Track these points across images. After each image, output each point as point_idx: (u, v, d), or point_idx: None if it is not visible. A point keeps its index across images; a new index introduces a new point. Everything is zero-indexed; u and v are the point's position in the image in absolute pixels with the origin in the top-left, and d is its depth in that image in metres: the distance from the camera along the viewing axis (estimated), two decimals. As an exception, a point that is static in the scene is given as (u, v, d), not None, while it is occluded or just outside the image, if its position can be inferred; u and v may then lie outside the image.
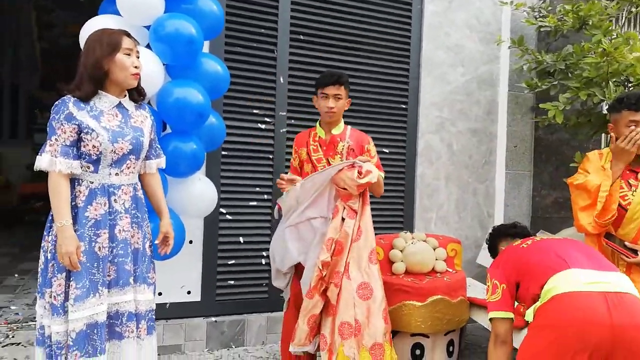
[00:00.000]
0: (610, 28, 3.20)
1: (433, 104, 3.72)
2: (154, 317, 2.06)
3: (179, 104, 2.40)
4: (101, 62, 1.86)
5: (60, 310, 1.81)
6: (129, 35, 1.96)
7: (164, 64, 2.46)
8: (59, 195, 1.80)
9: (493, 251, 2.41)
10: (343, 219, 2.40)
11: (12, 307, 3.10)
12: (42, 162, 1.80)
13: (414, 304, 2.76)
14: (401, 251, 3.00)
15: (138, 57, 1.97)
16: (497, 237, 2.37)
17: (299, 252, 2.46)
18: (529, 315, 1.72)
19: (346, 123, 2.63)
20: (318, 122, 2.62)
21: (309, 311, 2.37)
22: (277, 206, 2.60)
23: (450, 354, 2.89)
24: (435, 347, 2.82)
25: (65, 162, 1.80)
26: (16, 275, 3.86)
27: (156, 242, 2.12)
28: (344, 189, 2.39)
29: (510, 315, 1.89)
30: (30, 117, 7.61)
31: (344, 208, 2.42)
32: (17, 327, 2.75)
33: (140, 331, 1.97)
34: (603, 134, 3.84)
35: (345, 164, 2.40)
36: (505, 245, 2.23)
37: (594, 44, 3.12)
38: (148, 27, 2.48)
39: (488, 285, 1.97)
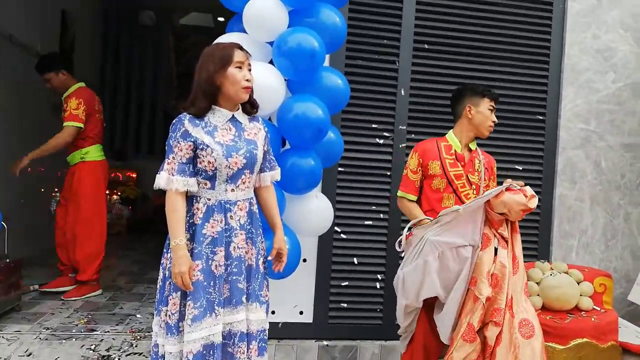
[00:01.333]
0: None
1: (576, 115, 3.26)
2: (266, 337, 1.96)
3: (299, 119, 2.33)
4: (213, 77, 1.84)
5: (174, 330, 1.79)
6: (240, 48, 1.91)
7: (285, 79, 2.42)
8: (176, 214, 1.79)
9: None
10: (496, 249, 2.14)
11: (138, 316, 3.25)
12: (160, 180, 1.80)
13: (553, 347, 2.39)
14: (537, 283, 2.62)
15: (250, 70, 1.91)
16: None
17: (442, 285, 2.19)
18: None
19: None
20: (450, 133, 2.44)
21: (468, 356, 2.10)
22: (406, 236, 2.34)
23: (599, 410, 2.44)
24: (581, 401, 2.40)
25: (182, 180, 1.78)
26: (145, 284, 4.10)
27: (269, 258, 2.04)
28: (502, 214, 2.14)
29: None
30: (165, 134, 8.27)
31: (495, 236, 2.15)
32: (141, 337, 2.87)
33: (251, 352, 1.88)
34: None
35: (503, 187, 2.15)
36: None
37: None
38: (271, 44, 2.47)
39: None
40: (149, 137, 8.34)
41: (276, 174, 2.10)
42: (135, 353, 2.72)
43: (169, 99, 8.96)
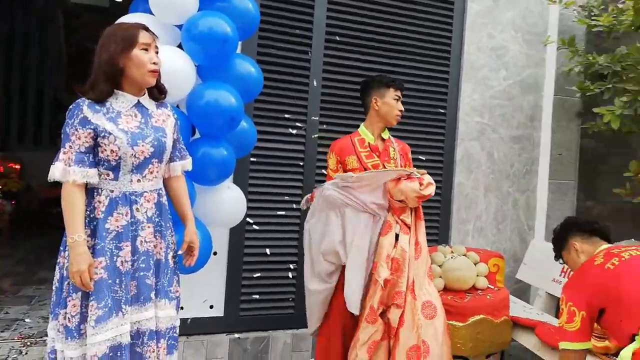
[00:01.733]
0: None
1: (473, 109, 3.51)
2: (176, 335, 1.88)
3: (210, 106, 2.24)
4: (116, 59, 1.70)
5: (75, 334, 1.64)
6: (146, 29, 1.79)
7: (195, 65, 2.31)
8: (72, 207, 1.64)
9: (558, 245, 2.14)
10: (397, 235, 2.21)
11: (27, 320, 2.96)
12: (55, 171, 1.65)
13: (454, 325, 2.55)
14: (440, 266, 2.79)
15: (157, 53, 1.80)
16: (569, 231, 2.09)
17: (339, 240, 2.26)
18: (625, 357, 1.48)
19: None
20: (362, 126, 2.50)
21: (371, 337, 2.16)
22: (310, 195, 2.47)
23: (493, 379, 2.67)
24: (478, 372, 2.60)
25: (80, 171, 1.64)
26: (34, 286, 3.73)
27: (180, 252, 1.95)
28: (400, 201, 2.22)
29: (588, 346, 1.67)
30: (54, 123, 7.60)
31: (397, 223, 2.23)
32: (31, 343, 2.61)
33: (159, 350, 1.79)
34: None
35: (405, 172, 2.24)
36: (577, 244, 1.98)
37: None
38: (180, 27, 2.34)
39: (562, 309, 1.74)
40: (34, 126, 7.57)
41: (187, 163, 2.01)
42: (27, 361, 2.47)
43: (58, 83, 8.21)
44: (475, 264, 2.83)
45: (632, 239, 3.05)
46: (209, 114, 2.25)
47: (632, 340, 1.49)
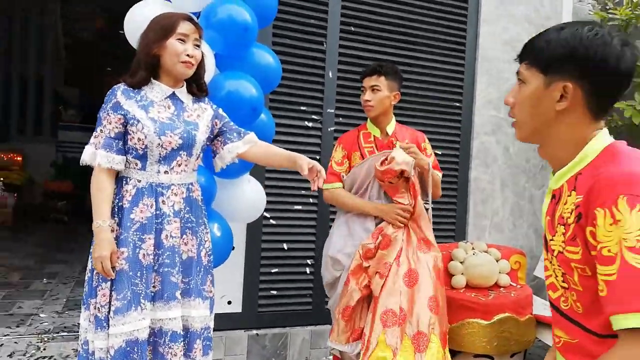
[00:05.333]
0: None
1: (489, 103, 3.45)
2: (210, 335, 1.84)
3: (231, 97, 2.17)
4: (151, 47, 1.68)
5: (105, 324, 1.61)
6: (191, 20, 1.74)
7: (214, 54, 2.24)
8: (99, 193, 1.63)
9: None
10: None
11: (42, 315, 2.89)
12: (85, 154, 1.65)
13: (478, 322, 2.50)
14: (461, 263, 2.74)
15: (197, 46, 1.75)
16: None
17: (340, 248, 2.28)
18: None
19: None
20: (368, 119, 2.38)
21: (346, 301, 2.18)
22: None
23: (516, 377, 2.63)
24: (501, 370, 2.56)
25: (106, 156, 1.62)
26: (44, 279, 3.67)
27: (307, 176, 1.73)
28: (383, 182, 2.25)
29: None
30: (55, 114, 7.50)
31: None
32: (48, 339, 2.55)
33: (195, 352, 1.74)
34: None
35: (382, 155, 2.23)
36: None
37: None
38: (197, 14, 2.27)
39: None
40: (35, 117, 7.46)
41: (252, 136, 1.92)
42: (45, 357, 2.41)
43: (56, 74, 8.09)
44: (497, 261, 2.78)
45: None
46: (229, 104, 2.18)
47: None
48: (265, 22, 2.45)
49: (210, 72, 2.20)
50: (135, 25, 2.10)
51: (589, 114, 0.93)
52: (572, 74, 0.91)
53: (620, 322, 0.79)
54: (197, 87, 1.81)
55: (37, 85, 7.52)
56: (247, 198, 2.40)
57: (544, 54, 0.95)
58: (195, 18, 1.80)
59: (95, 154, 1.63)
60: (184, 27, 1.70)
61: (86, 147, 1.66)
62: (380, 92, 2.27)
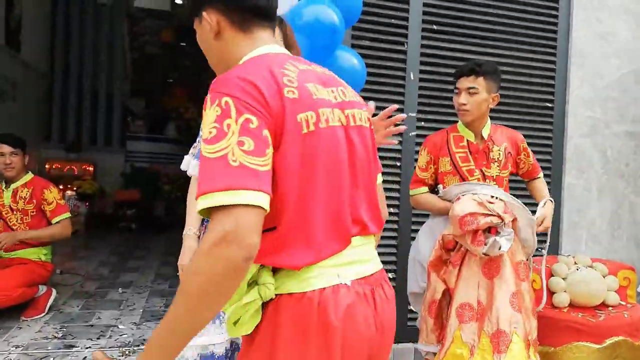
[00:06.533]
0: None
1: (584, 102, 3.16)
2: None
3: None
4: None
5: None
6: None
7: (298, 58, 2.13)
8: (189, 202, 1.68)
9: None
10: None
11: (121, 327, 2.88)
12: (183, 163, 1.73)
13: (588, 346, 2.24)
14: (563, 279, 2.48)
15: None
16: None
17: (422, 256, 2.13)
18: None
19: None
20: (460, 120, 2.17)
21: (430, 296, 2.02)
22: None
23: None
24: (616, 401, 2.28)
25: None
26: (119, 289, 3.69)
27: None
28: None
29: None
30: (123, 125, 7.75)
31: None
32: (130, 352, 2.51)
33: None
34: None
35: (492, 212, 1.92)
36: None
37: None
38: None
39: None
40: (105, 128, 7.73)
41: None
42: (129, 371, 2.38)
43: (125, 87, 8.37)
44: (603, 277, 2.50)
45: None
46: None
47: None
48: (349, 23, 2.33)
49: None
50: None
51: (235, 30, 0.98)
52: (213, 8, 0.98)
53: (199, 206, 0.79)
54: None
55: (107, 98, 7.80)
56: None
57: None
58: None
59: (190, 163, 1.68)
60: None
61: (185, 157, 1.71)
62: (477, 95, 2.06)
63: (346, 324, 0.87)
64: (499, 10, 3.01)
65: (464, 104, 2.06)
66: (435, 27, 2.90)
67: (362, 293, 0.92)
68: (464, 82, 2.08)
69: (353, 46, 2.74)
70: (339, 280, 0.89)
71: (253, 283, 0.88)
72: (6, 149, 2.99)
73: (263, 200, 0.78)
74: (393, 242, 2.81)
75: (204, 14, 0.98)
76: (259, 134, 0.81)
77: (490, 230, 1.92)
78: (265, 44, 0.98)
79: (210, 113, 0.82)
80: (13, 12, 5.26)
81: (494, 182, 2.10)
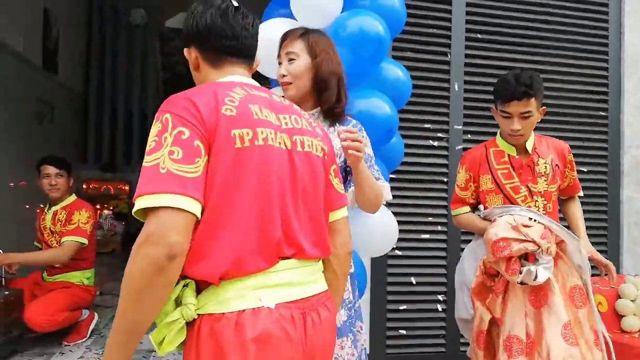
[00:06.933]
0: None
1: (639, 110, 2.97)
2: None
3: (364, 118, 1.94)
4: None
5: None
6: (284, 36, 1.58)
7: (341, 71, 2.04)
8: None
9: None
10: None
11: (162, 351, 2.80)
12: None
13: (666, 378, 2.03)
14: (632, 301, 2.29)
15: (290, 60, 1.53)
16: None
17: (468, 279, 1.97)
18: None
19: None
20: (499, 133, 1.98)
21: (477, 327, 1.84)
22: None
23: None
24: None
25: None
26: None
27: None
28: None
29: None
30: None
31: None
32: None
33: None
34: None
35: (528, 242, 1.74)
36: None
37: None
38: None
39: None
40: (140, 147, 7.83)
41: None
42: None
43: (157, 107, 8.46)
44: (676, 298, 2.30)
45: None
46: (363, 124, 1.96)
47: None
48: (393, 34, 2.23)
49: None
50: (260, 44, 1.96)
51: (208, 66, 1.10)
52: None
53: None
54: (327, 108, 1.57)
55: (141, 117, 7.90)
56: (379, 229, 2.14)
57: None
58: (293, 31, 1.60)
59: None
60: (281, 48, 1.57)
61: None
62: (531, 117, 1.84)
63: (263, 348, 0.88)
64: (545, 15, 2.87)
65: (518, 130, 1.85)
66: (479, 35, 2.78)
67: (288, 317, 0.92)
68: (517, 108, 1.82)
69: (394, 58, 2.63)
70: (260, 303, 0.90)
71: (180, 302, 0.91)
72: (51, 170, 2.98)
73: (186, 203, 0.84)
74: (442, 262, 2.66)
75: (187, 50, 1.12)
76: (190, 144, 0.88)
77: (527, 257, 1.76)
78: (230, 75, 1.08)
79: (153, 129, 0.90)
80: (50, 34, 5.37)
81: (542, 198, 1.91)
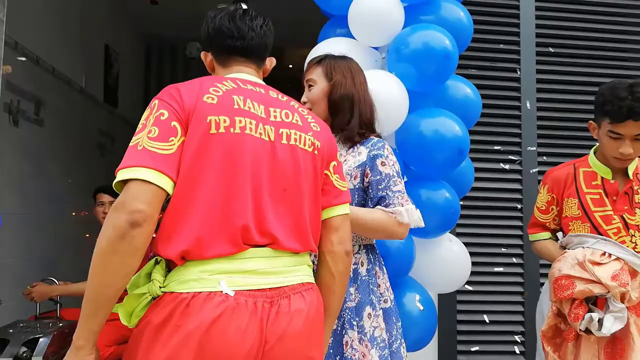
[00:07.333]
0: None
1: None
2: None
3: (430, 138, 1.78)
4: None
5: None
6: (306, 65, 1.57)
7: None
8: None
9: None
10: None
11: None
12: None
13: None
14: None
15: (310, 87, 1.49)
16: None
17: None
18: None
19: None
20: (591, 153, 1.72)
21: None
22: None
23: None
24: None
25: None
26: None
27: None
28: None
29: None
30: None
31: None
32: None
33: None
34: None
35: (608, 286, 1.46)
36: None
37: None
38: (376, 48, 1.98)
39: None
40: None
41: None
42: None
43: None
44: None
45: None
46: (429, 147, 1.80)
47: None
48: (460, 49, 2.06)
49: (404, 111, 1.85)
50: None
51: (219, 66, 1.19)
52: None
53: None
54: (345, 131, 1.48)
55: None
56: (449, 262, 1.94)
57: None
58: (314, 58, 1.56)
59: None
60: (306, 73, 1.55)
61: None
62: None
63: (209, 333, 0.89)
64: (624, 26, 2.62)
65: (630, 154, 1.58)
66: (551, 49, 2.56)
67: (246, 304, 0.92)
68: (632, 129, 1.55)
69: (459, 76, 2.46)
70: (218, 288, 0.91)
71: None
72: (106, 198, 2.99)
73: (155, 177, 0.90)
74: (518, 298, 2.41)
75: (204, 54, 1.21)
76: (167, 124, 0.94)
77: (596, 301, 1.50)
78: (236, 73, 1.13)
79: (144, 113, 0.98)
80: (112, 71, 5.58)
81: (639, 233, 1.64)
